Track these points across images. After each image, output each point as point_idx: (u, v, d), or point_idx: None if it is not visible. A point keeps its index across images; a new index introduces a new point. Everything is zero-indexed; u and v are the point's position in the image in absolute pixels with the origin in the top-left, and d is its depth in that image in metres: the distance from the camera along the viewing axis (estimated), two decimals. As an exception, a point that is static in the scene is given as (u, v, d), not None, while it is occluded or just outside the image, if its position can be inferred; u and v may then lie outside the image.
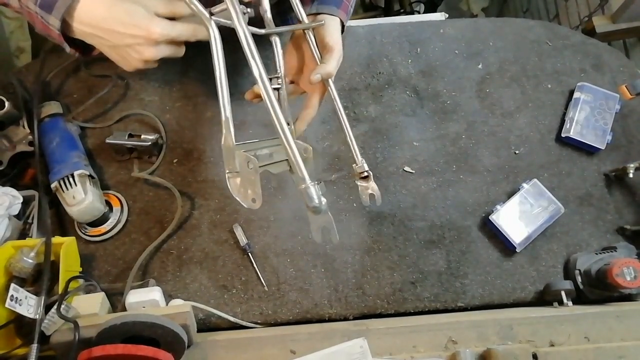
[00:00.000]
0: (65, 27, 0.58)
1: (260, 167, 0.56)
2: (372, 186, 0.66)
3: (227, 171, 0.55)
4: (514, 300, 0.80)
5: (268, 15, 0.63)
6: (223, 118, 0.52)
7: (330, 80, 0.66)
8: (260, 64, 0.51)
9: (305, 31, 0.67)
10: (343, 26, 0.72)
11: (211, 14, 0.54)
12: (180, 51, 0.62)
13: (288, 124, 0.64)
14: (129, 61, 0.60)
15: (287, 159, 0.64)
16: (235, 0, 0.51)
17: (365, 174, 0.65)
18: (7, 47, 1.31)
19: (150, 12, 0.57)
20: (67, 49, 0.61)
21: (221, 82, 0.52)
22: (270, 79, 0.63)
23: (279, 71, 0.64)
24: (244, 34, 0.51)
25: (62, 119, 0.84)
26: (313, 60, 0.68)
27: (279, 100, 0.65)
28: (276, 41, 0.64)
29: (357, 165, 0.66)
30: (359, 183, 0.67)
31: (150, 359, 0.57)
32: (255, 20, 0.61)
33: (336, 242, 0.54)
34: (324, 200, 0.49)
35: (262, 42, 0.93)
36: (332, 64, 0.65)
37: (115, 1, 0.56)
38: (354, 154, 0.65)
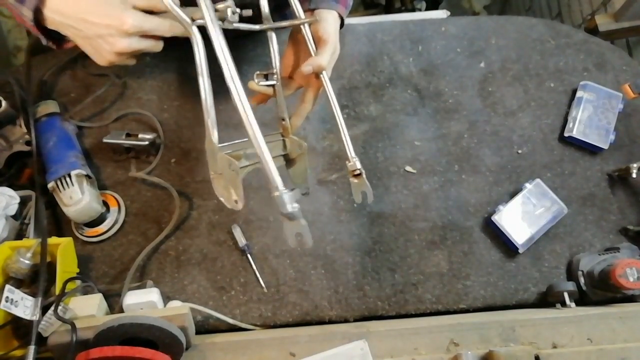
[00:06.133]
0: (40, 17, 0.57)
1: (244, 167, 0.57)
2: (364, 184, 0.65)
3: (211, 172, 0.55)
4: (517, 302, 0.79)
5: (265, 10, 0.62)
6: (206, 120, 0.53)
7: (324, 74, 0.65)
8: (233, 67, 0.50)
9: (301, 26, 0.66)
10: (342, 20, 0.72)
11: (192, 19, 0.53)
12: (157, 46, 0.60)
13: (283, 120, 0.64)
14: (101, 53, 0.59)
15: (282, 155, 0.64)
16: (210, 5, 0.51)
17: (358, 171, 0.64)
18: (4, 46, 1.30)
19: (126, 3, 0.56)
20: (43, 40, 0.61)
21: (204, 85, 0.52)
22: (266, 75, 0.63)
23: (274, 67, 0.64)
24: (218, 40, 0.50)
25: (59, 118, 0.83)
26: (309, 55, 0.67)
27: (274, 95, 0.65)
28: (272, 37, 0.63)
29: (349, 162, 0.64)
30: (351, 180, 0.67)
31: (147, 361, 0.57)
32: (254, 16, 0.60)
33: (309, 247, 0.54)
34: (296, 206, 0.49)
35: (260, 39, 0.93)
36: (325, 57, 0.64)
37: None
38: (347, 151, 0.64)
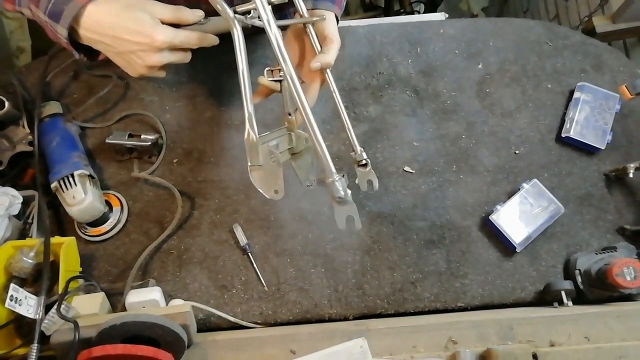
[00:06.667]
0: (73, 33, 0.60)
1: (282, 152, 0.59)
2: (370, 173, 0.69)
3: (250, 164, 0.57)
4: (514, 300, 0.79)
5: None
6: (246, 114, 0.56)
7: (328, 70, 0.68)
8: (290, 63, 0.54)
9: (307, 25, 0.69)
10: (337, 20, 0.75)
11: (235, 12, 0.55)
12: (186, 57, 0.63)
13: (289, 114, 0.66)
14: (133, 67, 0.62)
15: (288, 149, 0.66)
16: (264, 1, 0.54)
17: (364, 162, 0.68)
18: (7, 47, 1.30)
19: (154, 19, 0.58)
20: (76, 55, 0.63)
21: (244, 79, 0.55)
22: (272, 71, 0.65)
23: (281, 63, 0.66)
24: (274, 33, 0.54)
25: (62, 119, 0.84)
26: (312, 51, 0.70)
27: (280, 91, 0.66)
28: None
29: (355, 153, 0.68)
30: (358, 170, 0.70)
31: (150, 359, 0.57)
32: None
33: (359, 229, 0.59)
34: (349, 192, 0.54)
35: (261, 41, 0.94)
36: (332, 54, 0.67)
37: (120, 9, 0.58)
38: (352, 142, 0.67)
